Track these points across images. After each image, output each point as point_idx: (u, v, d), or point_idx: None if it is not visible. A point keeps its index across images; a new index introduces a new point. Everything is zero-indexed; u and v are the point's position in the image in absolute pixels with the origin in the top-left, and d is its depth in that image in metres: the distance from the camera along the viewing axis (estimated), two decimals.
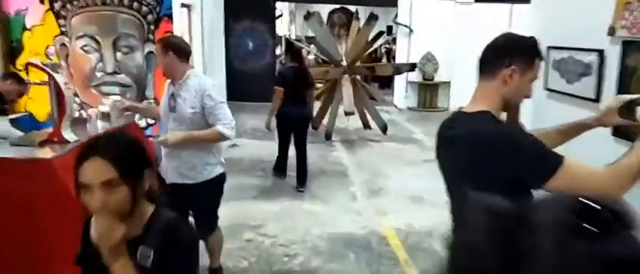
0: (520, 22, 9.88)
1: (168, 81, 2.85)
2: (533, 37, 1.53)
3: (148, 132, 4.19)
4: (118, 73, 4.07)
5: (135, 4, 3.92)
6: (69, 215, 2.46)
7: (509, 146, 1.38)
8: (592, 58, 2.66)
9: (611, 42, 2.52)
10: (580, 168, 1.37)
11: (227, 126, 2.74)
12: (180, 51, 2.73)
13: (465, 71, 10.64)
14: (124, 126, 3.16)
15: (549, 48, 3.21)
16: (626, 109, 1.57)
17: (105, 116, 3.05)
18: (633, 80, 2.34)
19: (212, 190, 2.99)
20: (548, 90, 3.27)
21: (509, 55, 1.47)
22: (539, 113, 3.53)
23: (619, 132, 2.47)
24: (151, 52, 4.03)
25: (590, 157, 2.73)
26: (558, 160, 1.34)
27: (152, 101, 4.14)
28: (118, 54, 4.02)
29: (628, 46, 2.38)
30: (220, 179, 2.98)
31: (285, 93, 4.99)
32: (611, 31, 2.49)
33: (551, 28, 3.38)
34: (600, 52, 2.59)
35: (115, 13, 3.92)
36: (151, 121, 4.19)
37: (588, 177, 1.36)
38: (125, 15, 3.93)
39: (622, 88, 2.44)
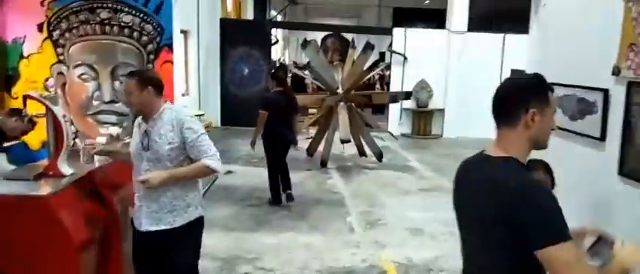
0: (512, 51, 10.02)
1: (139, 119, 2.63)
2: (536, 74, 1.53)
3: None
4: (116, 102, 4.01)
5: (135, 34, 3.89)
6: (65, 255, 2.38)
7: (527, 197, 1.35)
8: (597, 97, 2.67)
9: (616, 82, 2.53)
10: (578, 256, 1.34)
11: (213, 159, 2.52)
12: (157, 85, 2.54)
13: (458, 99, 10.81)
14: (111, 164, 3.07)
15: (551, 84, 3.23)
16: None
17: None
18: None
19: (192, 236, 2.64)
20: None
21: (525, 100, 1.44)
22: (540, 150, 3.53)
23: (624, 171, 2.46)
24: None
25: (596, 194, 2.72)
26: (566, 236, 1.31)
27: None
28: (116, 83, 3.97)
29: (633, 87, 2.39)
30: (199, 222, 2.66)
31: (271, 117, 5.31)
32: (616, 71, 2.50)
33: (550, 63, 3.40)
34: (605, 92, 2.60)
35: (114, 42, 3.89)
36: None
37: (578, 270, 1.32)
38: (125, 44, 3.90)
39: (629, 127, 2.44)
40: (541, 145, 1.50)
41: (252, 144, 5.71)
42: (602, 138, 2.65)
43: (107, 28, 3.91)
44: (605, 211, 2.64)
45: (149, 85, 2.50)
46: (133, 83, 2.50)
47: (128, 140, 2.90)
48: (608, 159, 2.57)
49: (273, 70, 6.06)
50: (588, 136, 2.78)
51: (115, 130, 3.03)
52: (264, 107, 5.40)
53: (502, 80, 1.56)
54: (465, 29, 10.82)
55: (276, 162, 5.64)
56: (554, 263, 1.31)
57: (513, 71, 5.30)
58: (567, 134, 3.02)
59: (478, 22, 11.56)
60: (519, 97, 1.46)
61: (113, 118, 4.04)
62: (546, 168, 2.43)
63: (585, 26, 2.91)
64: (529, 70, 3.83)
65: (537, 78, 1.51)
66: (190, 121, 2.55)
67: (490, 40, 10.71)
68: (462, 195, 1.61)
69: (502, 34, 10.75)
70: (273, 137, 5.45)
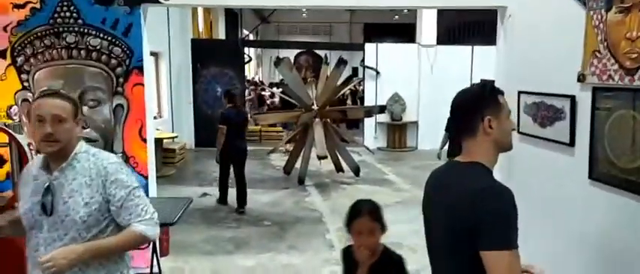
0: (481, 63, 10.27)
1: (33, 167, 1.87)
2: (482, 80, 1.63)
3: None
4: (84, 128, 3.89)
5: (103, 57, 3.80)
6: None
7: (486, 199, 1.39)
8: (564, 104, 2.73)
9: (581, 88, 2.60)
10: (516, 269, 1.38)
11: (149, 223, 1.83)
12: (77, 114, 1.82)
13: (431, 111, 10.95)
14: None
15: (520, 92, 3.30)
16: None
17: None
18: (607, 124, 2.40)
19: None
20: (521, 133, 3.33)
21: (478, 110, 1.51)
22: (512, 156, 3.58)
23: (593, 176, 2.51)
24: (120, 105, 3.90)
25: (567, 199, 2.76)
26: (511, 245, 1.36)
27: (120, 155, 3.97)
28: (84, 108, 3.87)
29: (598, 92, 2.46)
30: None
31: (227, 130, 6.04)
32: (582, 78, 2.57)
33: (519, 72, 3.48)
34: (572, 98, 2.67)
35: (81, 66, 3.80)
36: None
37: None
38: (93, 68, 3.81)
39: (595, 132, 2.50)
40: (505, 147, 1.56)
41: (217, 160, 6.29)
42: (572, 143, 2.70)
43: (74, 52, 3.82)
44: (576, 214, 2.68)
45: (80, 111, 1.83)
46: (68, 106, 1.76)
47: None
48: (578, 164, 2.62)
49: (226, 91, 6.84)
50: (558, 142, 2.83)
51: None
52: (221, 122, 6.13)
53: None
54: (435, 42, 11.05)
55: (236, 174, 6.32)
56: (492, 269, 1.35)
57: (482, 81, 5.47)
58: (538, 141, 3.07)
59: (447, 36, 11.84)
60: (473, 108, 1.52)
61: None
62: (372, 214, 2.12)
63: (550, 35, 2.99)
64: (497, 80, 3.91)
65: (485, 86, 1.58)
66: (120, 171, 1.82)
67: (459, 52, 10.95)
68: (430, 202, 1.64)
69: (470, 46, 11.01)
70: (227, 147, 6.12)
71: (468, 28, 12.29)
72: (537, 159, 3.15)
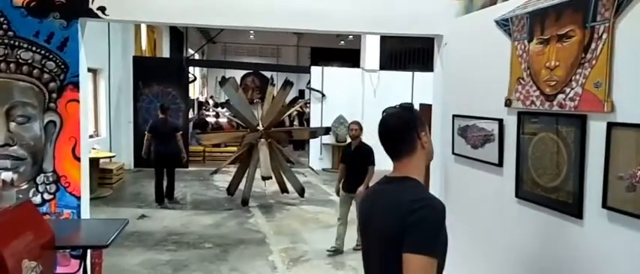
0: (420, 87, 10.69)
1: None
2: (403, 105, 1.74)
3: (44, 209, 3.77)
4: (11, 145, 3.66)
5: (35, 72, 3.61)
6: None
7: (416, 208, 1.46)
8: (493, 126, 2.91)
9: (508, 112, 2.79)
10: None
11: None
12: None
13: (375, 133, 11.21)
14: (16, 205, 2.80)
15: (454, 116, 3.48)
16: None
17: None
18: (531, 146, 2.58)
19: None
20: (455, 154, 3.51)
21: (413, 128, 1.64)
22: (447, 176, 3.75)
23: (521, 195, 2.67)
24: (52, 122, 3.70)
25: (497, 217, 2.92)
26: (431, 252, 1.43)
27: (50, 174, 3.76)
28: (12, 124, 3.64)
29: (523, 116, 2.65)
30: None
31: (155, 137, 7.32)
32: (508, 103, 2.76)
33: (453, 97, 3.68)
34: (500, 121, 2.85)
35: (10, 80, 3.59)
36: (47, 197, 3.79)
37: None
38: (23, 82, 3.61)
39: (520, 153, 2.68)
40: (432, 157, 1.72)
41: (144, 154, 7.52)
42: (500, 164, 2.88)
43: (2, 65, 3.61)
44: (504, 230, 2.84)
45: None
46: None
47: (24, 186, 2.42)
48: (506, 183, 2.79)
49: (161, 104, 7.91)
50: (488, 163, 3.00)
51: (8, 176, 2.74)
52: (148, 131, 7.45)
53: (382, 117, 1.72)
54: (378, 68, 11.41)
55: (162, 173, 7.45)
56: (407, 271, 1.42)
57: (422, 105, 5.70)
58: (471, 161, 3.24)
59: (389, 61, 12.27)
60: (410, 128, 1.64)
61: (7, 163, 3.67)
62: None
63: (481, 63, 3.19)
64: (434, 103, 4.10)
65: (410, 107, 1.72)
66: None
67: (400, 77, 11.36)
68: (366, 218, 1.69)
69: (411, 72, 11.47)
70: (155, 153, 7.38)
71: (409, 55, 12.80)
72: (470, 178, 3.32)
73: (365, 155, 5.26)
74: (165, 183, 7.49)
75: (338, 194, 5.54)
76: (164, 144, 7.31)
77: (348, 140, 11.09)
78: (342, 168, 5.48)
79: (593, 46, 2.14)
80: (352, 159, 5.34)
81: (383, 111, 1.76)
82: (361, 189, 5.05)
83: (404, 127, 1.64)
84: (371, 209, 1.67)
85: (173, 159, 7.48)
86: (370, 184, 4.33)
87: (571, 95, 2.26)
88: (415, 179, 1.61)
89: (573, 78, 2.25)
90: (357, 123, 5.57)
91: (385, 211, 1.57)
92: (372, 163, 5.22)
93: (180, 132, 7.67)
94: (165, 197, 7.46)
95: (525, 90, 2.60)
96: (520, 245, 2.69)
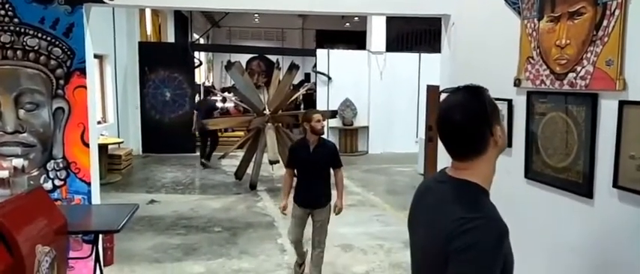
0: (427, 69, 10.62)
1: None
2: (468, 84, 1.35)
3: (55, 195, 3.81)
4: (21, 132, 3.68)
5: (42, 58, 3.62)
6: None
7: (468, 227, 1.17)
8: (502, 107, 2.88)
9: (517, 92, 2.76)
10: None
11: None
12: None
13: (381, 115, 11.22)
14: (28, 191, 2.83)
15: None
16: None
17: (3, 183, 2.72)
18: (540, 126, 2.56)
19: None
20: None
21: (484, 122, 1.27)
22: None
23: (530, 176, 2.66)
24: (60, 108, 3.72)
25: (506, 197, 2.91)
26: None
27: (60, 161, 3.79)
28: (21, 111, 3.66)
29: (532, 96, 2.61)
30: None
31: (198, 114, 9.92)
32: (517, 83, 2.72)
33: (461, 78, 3.64)
34: (509, 102, 2.82)
35: (17, 67, 3.60)
36: (58, 183, 3.82)
37: None
38: (30, 69, 3.62)
39: (530, 133, 2.65)
40: (504, 148, 1.37)
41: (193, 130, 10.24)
42: (509, 144, 2.85)
43: (9, 52, 3.62)
44: (514, 211, 2.83)
45: None
46: None
47: (35, 173, 2.50)
48: (515, 164, 2.77)
49: (206, 89, 9.78)
50: None
51: (19, 162, 2.77)
52: (195, 108, 10.27)
53: (441, 106, 1.35)
54: (384, 50, 11.32)
55: (206, 141, 9.58)
56: None
57: (429, 86, 5.61)
58: None
59: (395, 43, 12.16)
60: (480, 123, 1.27)
61: (18, 150, 3.71)
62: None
63: (490, 42, 3.15)
64: (442, 85, 4.06)
65: (480, 93, 1.32)
66: None
67: (407, 59, 11.28)
68: (410, 219, 1.44)
69: (417, 54, 11.37)
70: (198, 127, 9.41)
71: (416, 36, 12.68)
72: None
73: (329, 155, 3.95)
74: (207, 149, 9.45)
75: (284, 211, 4.08)
76: (203, 120, 8.96)
77: (354, 123, 11.15)
78: (291, 174, 4.05)
79: (604, 23, 2.10)
80: (311, 162, 3.88)
81: (441, 91, 1.43)
82: (339, 203, 4.08)
83: (473, 123, 1.26)
84: (414, 211, 1.43)
85: (210, 132, 9.41)
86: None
87: (582, 73, 2.23)
88: (477, 185, 1.28)
89: (584, 56, 2.21)
90: (321, 113, 4.27)
91: (429, 221, 1.30)
92: (341, 165, 4.02)
93: (217, 110, 11.03)
94: (205, 157, 9.40)
95: (535, 70, 2.57)
96: (530, 225, 2.68)
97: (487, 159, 1.29)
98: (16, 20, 3.60)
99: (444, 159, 4.32)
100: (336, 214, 4.10)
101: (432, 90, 7.47)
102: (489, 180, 1.32)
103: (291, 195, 4.04)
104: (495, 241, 1.17)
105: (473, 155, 1.29)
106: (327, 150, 3.94)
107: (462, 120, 1.27)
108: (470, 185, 1.28)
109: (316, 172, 3.90)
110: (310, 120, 3.83)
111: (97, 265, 3.37)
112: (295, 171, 4.03)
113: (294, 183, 4.05)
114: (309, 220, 4.02)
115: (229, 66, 8.08)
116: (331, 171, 4.00)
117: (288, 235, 4.12)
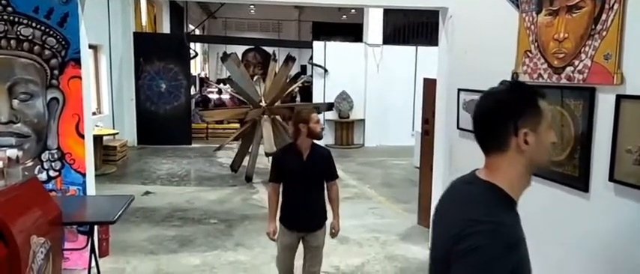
0: (424, 62, 10.61)
1: None
2: (517, 82, 1.28)
3: (50, 186, 3.79)
4: (15, 123, 3.66)
5: (36, 48, 3.58)
6: None
7: (472, 232, 1.11)
8: None
9: None
10: None
11: None
12: None
13: (377, 108, 11.22)
14: (23, 182, 2.82)
15: (460, 90, 3.45)
16: None
17: None
18: None
19: None
20: (460, 129, 3.49)
21: (511, 120, 1.17)
22: (453, 151, 3.74)
23: None
24: (55, 99, 3.69)
25: None
26: None
27: (55, 152, 3.77)
28: (15, 101, 3.63)
29: None
30: None
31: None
32: (515, 76, 2.72)
33: (458, 71, 3.64)
34: None
35: (11, 57, 3.56)
36: (52, 174, 3.80)
37: None
38: (24, 59, 3.58)
39: None
40: (542, 166, 1.25)
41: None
42: None
43: (3, 42, 3.58)
44: None
45: None
46: None
47: (30, 163, 2.56)
48: None
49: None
50: None
51: (13, 153, 2.75)
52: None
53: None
54: (381, 42, 11.29)
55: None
56: None
57: (426, 80, 5.59)
58: None
59: (392, 36, 12.13)
60: (505, 117, 1.18)
61: (12, 140, 3.68)
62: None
63: (487, 35, 3.14)
64: (439, 78, 4.06)
65: (520, 87, 1.24)
66: None
67: (404, 52, 11.26)
68: (435, 217, 1.37)
69: (414, 47, 11.36)
70: None
71: (413, 29, 12.65)
72: (476, 153, 3.30)
73: (325, 164, 3.19)
74: None
75: (274, 236, 3.26)
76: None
77: (351, 115, 11.16)
78: (276, 190, 3.18)
79: (603, 17, 2.09)
80: (306, 174, 3.08)
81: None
82: (336, 223, 3.34)
83: (497, 113, 1.18)
84: (437, 209, 1.36)
85: None
86: None
87: (580, 67, 2.23)
88: (499, 188, 1.19)
89: (582, 50, 2.21)
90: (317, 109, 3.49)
91: (444, 222, 1.25)
92: (337, 176, 3.30)
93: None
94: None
95: (533, 63, 2.57)
96: (525, 219, 2.68)
97: (511, 161, 1.19)
98: (10, 9, 3.56)
99: (439, 153, 4.33)
100: (333, 237, 3.37)
101: (429, 83, 7.47)
102: (517, 187, 1.21)
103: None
104: (501, 249, 1.09)
105: (494, 150, 1.21)
106: (322, 158, 3.15)
107: (485, 105, 1.22)
108: (494, 189, 1.19)
109: (311, 186, 3.11)
110: (308, 120, 3.00)
111: (93, 256, 3.36)
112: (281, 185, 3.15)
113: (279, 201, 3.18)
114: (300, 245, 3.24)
115: (225, 57, 8.03)
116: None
117: (276, 264, 3.37)
